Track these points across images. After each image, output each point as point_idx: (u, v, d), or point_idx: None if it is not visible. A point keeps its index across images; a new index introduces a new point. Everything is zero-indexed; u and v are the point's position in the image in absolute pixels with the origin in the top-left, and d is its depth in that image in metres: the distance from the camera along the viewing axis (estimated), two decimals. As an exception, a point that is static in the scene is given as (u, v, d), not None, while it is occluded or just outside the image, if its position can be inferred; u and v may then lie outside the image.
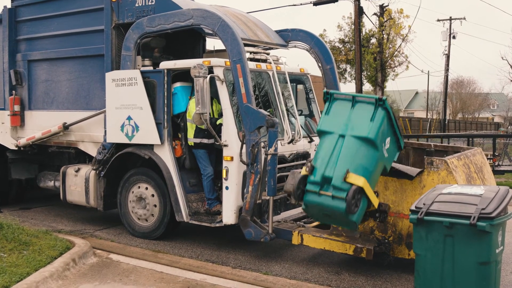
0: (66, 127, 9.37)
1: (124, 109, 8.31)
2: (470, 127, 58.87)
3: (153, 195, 8.32)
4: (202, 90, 7.13)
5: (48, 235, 7.87)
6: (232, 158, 7.43)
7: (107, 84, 8.49)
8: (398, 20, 26.02)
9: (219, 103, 7.79)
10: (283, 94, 8.52)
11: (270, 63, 8.49)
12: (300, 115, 9.05)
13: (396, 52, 26.82)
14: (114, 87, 8.39)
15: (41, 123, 9.90)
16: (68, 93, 9.59)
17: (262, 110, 7.20)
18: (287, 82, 8.74)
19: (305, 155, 8.68)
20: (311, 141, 8.80)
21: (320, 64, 9.39)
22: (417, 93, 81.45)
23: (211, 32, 7.85)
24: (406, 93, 74.18)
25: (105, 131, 8.76)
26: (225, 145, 7.50)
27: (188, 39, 9.66)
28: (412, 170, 6.65)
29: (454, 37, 42.72)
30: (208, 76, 7.23)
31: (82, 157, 9.82)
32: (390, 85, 75.59)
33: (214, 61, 7.66)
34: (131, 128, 8.28)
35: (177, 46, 9.39)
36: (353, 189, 5.76)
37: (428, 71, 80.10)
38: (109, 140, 8.63)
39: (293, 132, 8.29)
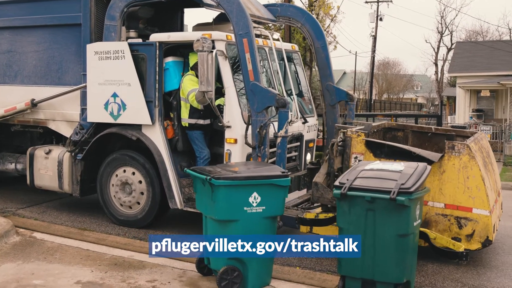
0: (34, 104, 8.41)
1: (109, 85, 7.49)
2: (394, 107, 60.60)
3: (140, 182, 7.60)
4: (207, 66, 6.48)
5: (-33, 214, 7.34)
6: (236, 141, 6.90)
7: (89, 57, 7.62)
8: (327, 0, 26.06)
9: (218, 81, 7.17)
10: (278, 73, 8.02)
11: (269, 38, 7.93)
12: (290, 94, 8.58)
13: (324, 32, 26.86)
14: (97, 61, 7.52)
15: (1, 99, 8.84)
16: (35, 66, 8.58)
17: (271, 89, 6.70)
18: (283, 60, 8.22)
19: (298, 137, 8.26)
20: (305, 122, 8.35)
21: (311, 41, 8.93)
22: (345, 73, 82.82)
23: (213, 3, 7.15)
24: (334, 73, 72.78)
25: (82, 109, 7.97)
26: (228, 127, 6.95)
27: (166, 11, 8.90)
28: (434, 155, 6.39)
29: (381, 19, 43.32)
30: (215, 51, 6.60)
31: (48, 137, 8.91)
32: (319, 65, 76.05)
33: (216, 34, 7.03)
34: (117, 107, 7.48)
35: (157, 18, 8.62)
36: (221, 271, 5.20)
37: (356, 52, 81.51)
38: (90, 119, 7.79)
39: (290, 113, 7.81)
